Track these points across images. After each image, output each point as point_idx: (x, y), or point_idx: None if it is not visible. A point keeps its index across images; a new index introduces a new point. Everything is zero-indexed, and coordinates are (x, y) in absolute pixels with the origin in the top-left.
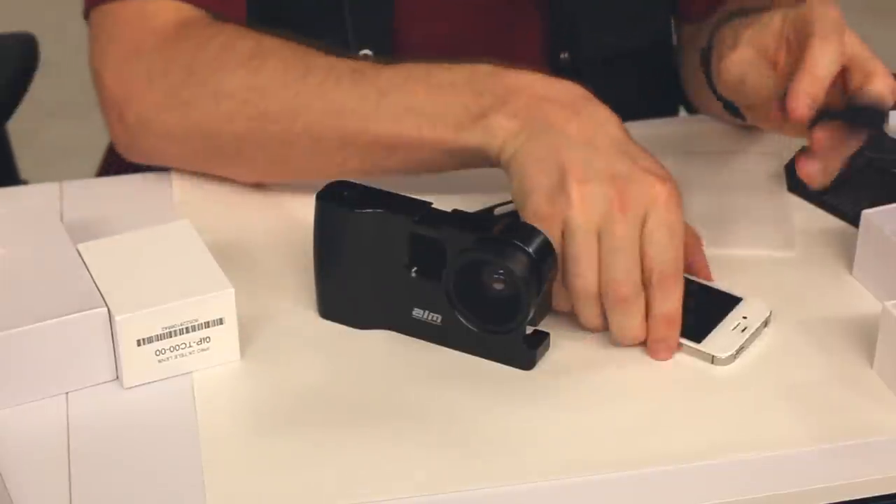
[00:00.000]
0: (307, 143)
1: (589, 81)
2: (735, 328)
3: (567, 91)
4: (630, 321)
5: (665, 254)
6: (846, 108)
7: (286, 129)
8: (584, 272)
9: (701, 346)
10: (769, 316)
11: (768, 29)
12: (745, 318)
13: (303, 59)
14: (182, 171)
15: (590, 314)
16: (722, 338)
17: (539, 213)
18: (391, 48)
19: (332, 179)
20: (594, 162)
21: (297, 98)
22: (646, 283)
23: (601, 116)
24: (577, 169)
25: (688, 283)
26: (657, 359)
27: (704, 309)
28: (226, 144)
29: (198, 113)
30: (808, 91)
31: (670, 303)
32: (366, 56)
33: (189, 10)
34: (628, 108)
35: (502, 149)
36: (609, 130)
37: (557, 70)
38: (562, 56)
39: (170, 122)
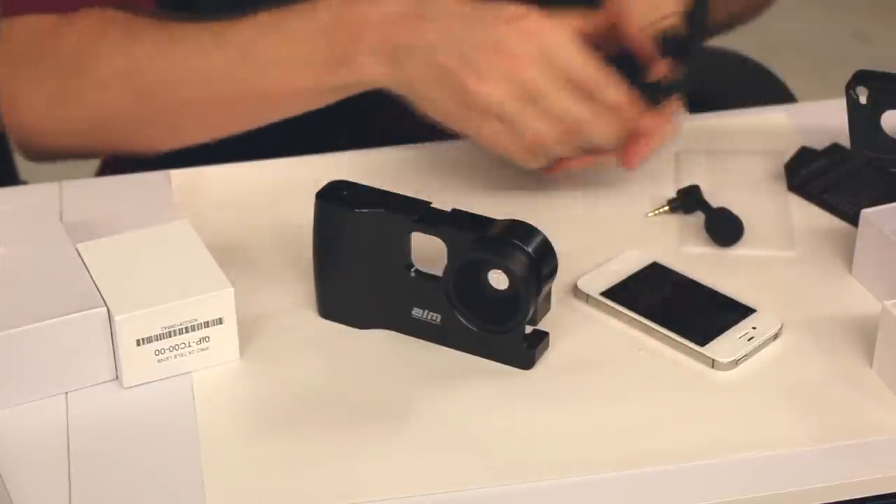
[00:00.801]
0: (190, 111)
1: None
2: (742, 337)
3: (400, 3)
4: (609, 129)
5: (582, 65)
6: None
7: (166, 102)
8: (534, 125)
9: (703, 350)
10: (780, 329)
11: None
12: (754, 328)
13: (169, 32)
14: (181, 171)
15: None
16: (727, 344)
17: (468, 123)
18: None
19: (222, 137)
20: (467, 50)
21: (169, 71)
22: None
23: (440, 4)
24: (462, 67)
25: (701, 289)
26: (636, 155)
27: (714, 315)
28: (116, 128)
29: (84, 104)
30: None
31: (613, 92)
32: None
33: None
34: None
35: (382, 81)
36: (455, 9)
37: None
38: None
39: (61, 119)
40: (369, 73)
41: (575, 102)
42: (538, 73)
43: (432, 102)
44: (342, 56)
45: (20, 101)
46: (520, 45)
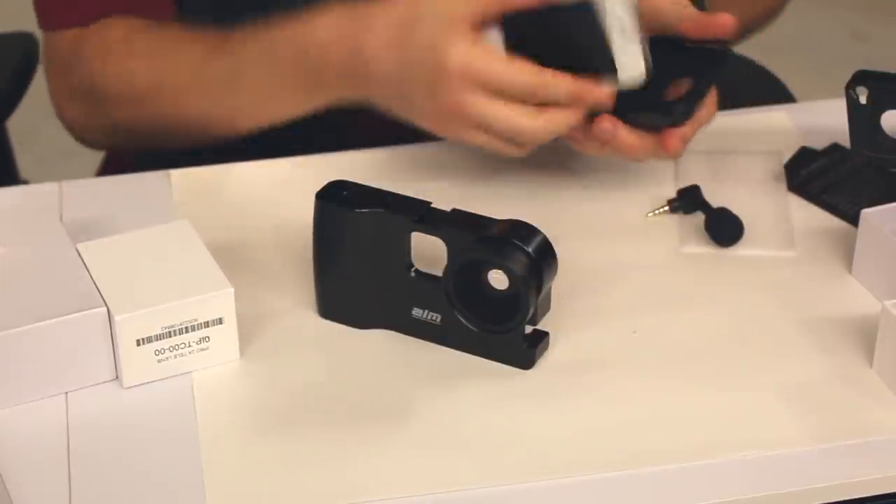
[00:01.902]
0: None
1: None
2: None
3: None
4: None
5: (511, 81)
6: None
7: (176, 111)
8: (499, 144)
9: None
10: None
11: None
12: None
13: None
14: (181, 170)
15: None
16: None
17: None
18: None
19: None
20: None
21: (187, 90)
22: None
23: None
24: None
25: None
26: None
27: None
28: (149, 137)
29: (115, 126)
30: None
31: (556, 89)
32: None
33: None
34: None
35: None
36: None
37: None
38: None
39: (97, 131)
40: (346, 97)
41: (525, 117)
42: (482, 109)
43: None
44: (315, 83)
45: (63, 113)
46: (453, 94)
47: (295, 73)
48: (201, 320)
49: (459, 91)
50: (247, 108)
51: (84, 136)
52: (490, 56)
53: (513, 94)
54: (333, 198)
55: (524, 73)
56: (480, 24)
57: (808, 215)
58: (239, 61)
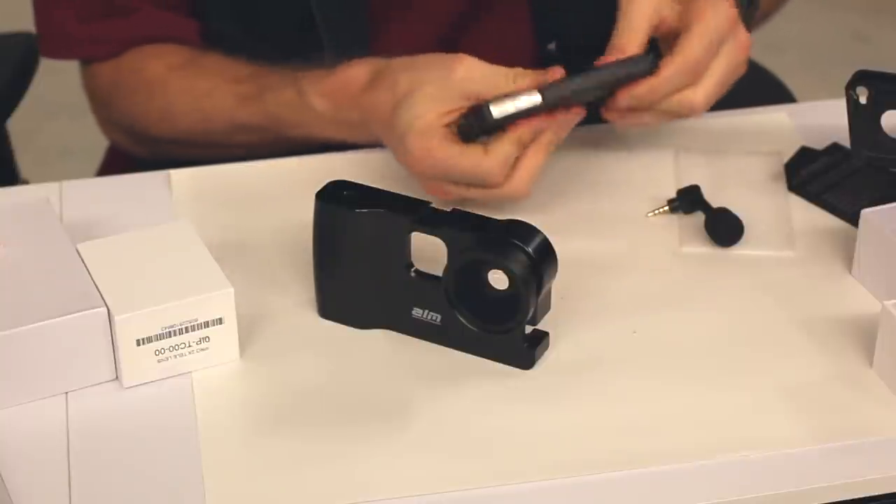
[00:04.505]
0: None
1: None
2: None
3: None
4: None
5: (452, 173)
6: None
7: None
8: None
9: None
10: None
11: None
12: None
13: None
14: (181, 170)
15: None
16: None
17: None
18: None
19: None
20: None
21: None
22: None
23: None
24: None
25: None
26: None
27: None
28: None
29: (158, 150)
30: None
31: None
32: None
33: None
34: None
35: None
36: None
37: (546, 62)
38: (549, 47)
39: (140, 152)
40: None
41: (466, 190)
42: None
43: None
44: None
45: (108, 137)
46: (416, 166)
47: (325, 118)
48: (201, 320)
49: (425, 178)
50: (284, 142)
51: (130, 155)
52: (444, 151)
53: (467, 183)
54: (333, 198)
55: (472, 164)
56: (448, 121)
57: (808, 215)
58: (274, 107)
